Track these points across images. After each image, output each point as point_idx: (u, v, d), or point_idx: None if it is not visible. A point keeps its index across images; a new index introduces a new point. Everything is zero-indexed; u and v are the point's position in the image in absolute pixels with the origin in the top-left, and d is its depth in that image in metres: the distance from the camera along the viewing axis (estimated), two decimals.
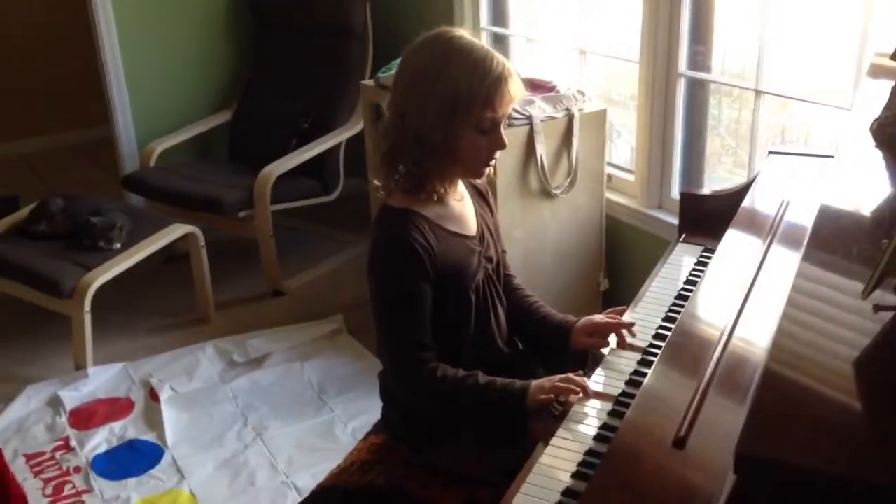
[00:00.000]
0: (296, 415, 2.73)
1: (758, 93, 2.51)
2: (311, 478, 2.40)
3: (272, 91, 3.91)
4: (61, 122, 5.25)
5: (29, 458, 2.57)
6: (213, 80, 4.07)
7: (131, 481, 2.46)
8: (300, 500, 2.29)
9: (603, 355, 1.63)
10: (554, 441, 1.39)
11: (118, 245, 3.05)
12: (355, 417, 2.69)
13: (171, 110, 3.96)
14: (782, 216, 1.73)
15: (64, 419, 2.73)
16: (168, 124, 3.89)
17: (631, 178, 2.95)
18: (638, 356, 1.60)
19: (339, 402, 2.79)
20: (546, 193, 2.72)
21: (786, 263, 1.49)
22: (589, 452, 1.34)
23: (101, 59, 3.81)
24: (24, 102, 5.13)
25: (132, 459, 2.55)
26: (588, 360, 1.69)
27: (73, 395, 2.83)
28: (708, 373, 1.27)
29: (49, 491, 2.43)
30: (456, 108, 1.52)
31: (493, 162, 1.63)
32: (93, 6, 3.73)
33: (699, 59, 2.70)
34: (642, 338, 1.64)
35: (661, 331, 1.66)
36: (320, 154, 3.60)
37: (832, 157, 1.88)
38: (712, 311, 1.52)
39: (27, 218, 3.22)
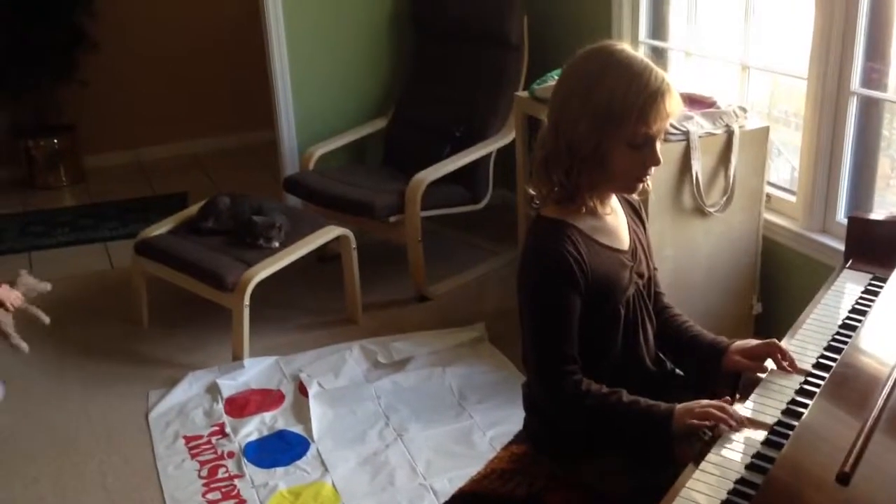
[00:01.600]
0: (435, 419, 2.77)
1: None
2: (447, 482, 2.43)
3: (427, 99, 4.00)
4: (229, 125, 5.57)
5: (188, 440, 2.73)
6: (371, 89, 4.21)
7: (279, 470, 2.57)
8: (437, 503, 2.34)
9: (756, 380, 1.57)
10: (703, 466, 1.35)
11: (277, 244, 3.20)
12: (494, 426, 2.70)
13: (331, 117, 4.12)
14: None
15: (220, 406, 2.89)
16: (327, 130, 4.06)
17: (792, 198, 2.83)
18: (796, 385, 1.53)
19: (478, 409, 2.81)
20: (700, 212, 2.65)
21: None
22: (740, 481, 1.30)
23: (270, 69, 4.02)
24: (196, 106, 5.49)
25: (281, 449, 2.66)
26: (739, 386, 1.63)
27: (230, 384, 2.99)
28: (877, 409, 1.20)
29: (204, 473, 2.58)
30: (608, 121, 1.51)
31: (647, 178, 1.61)
32: (266, 21, 3.94)
33: (874, 76, 2.55)
34: (801, 366, 1.57)
35: (822, 360, 1.58)
36: (471, 163, 3.64)
37: None
38: (883, 343, 1.43)
39: (197, 215, 3.43)
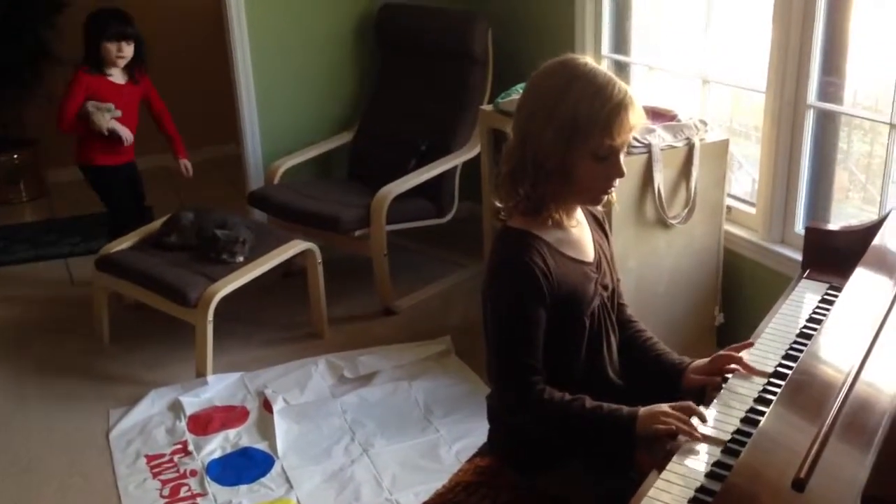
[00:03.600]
0: (401, 433, 2.76)
1: (893, 126, 2.40)
2: (413, 497, 2.42)
3: (392, 113, 4.01)
4: (194, 139, 5.51)
5: (149, 458, 2.69)
6: (336, 103, 4.21)
7: (243, 488, 2.54)
8: None
9: (717, 395, 1.59)
10: (663, 475, 1.36)
11: (241, 258, 3.18)
12: (460, 439, 2.69)
13: (297, 131, 4.11)
14: None
15: (183, 423, 2.85)
16: (293, 144, 4.05)
17: (752, 210, 2.87)
18: (754, 394, 1.55)
19: (444, 422, 2.80)
20: (662, 223, 2.68)
21: None
22: (700, 489, 1.31)
23: (235, 83, 4.01)
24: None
25: (244, 466, 2.64)
26: (704, 401, 1.64)
27: (193, 401, 2.96)
28: (831, 415, 1.22)
29: (166, 492, 2.54)
30: (573, 134, 1.52)
31: (611, 190, 1.62)
32: (230, 36, 3.94)
33: (830, 90, 2.61)
34: (759, 376, 1.59)
35: (780, 369, 1.60)
36: (436, 177, 3.65)
37: None
38: (837, 351, 1.45)
39: (160, 230, 3.40)
